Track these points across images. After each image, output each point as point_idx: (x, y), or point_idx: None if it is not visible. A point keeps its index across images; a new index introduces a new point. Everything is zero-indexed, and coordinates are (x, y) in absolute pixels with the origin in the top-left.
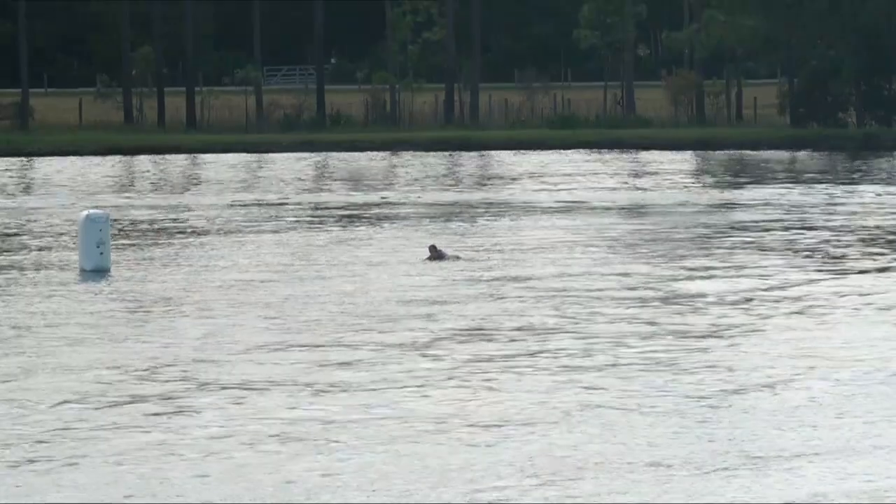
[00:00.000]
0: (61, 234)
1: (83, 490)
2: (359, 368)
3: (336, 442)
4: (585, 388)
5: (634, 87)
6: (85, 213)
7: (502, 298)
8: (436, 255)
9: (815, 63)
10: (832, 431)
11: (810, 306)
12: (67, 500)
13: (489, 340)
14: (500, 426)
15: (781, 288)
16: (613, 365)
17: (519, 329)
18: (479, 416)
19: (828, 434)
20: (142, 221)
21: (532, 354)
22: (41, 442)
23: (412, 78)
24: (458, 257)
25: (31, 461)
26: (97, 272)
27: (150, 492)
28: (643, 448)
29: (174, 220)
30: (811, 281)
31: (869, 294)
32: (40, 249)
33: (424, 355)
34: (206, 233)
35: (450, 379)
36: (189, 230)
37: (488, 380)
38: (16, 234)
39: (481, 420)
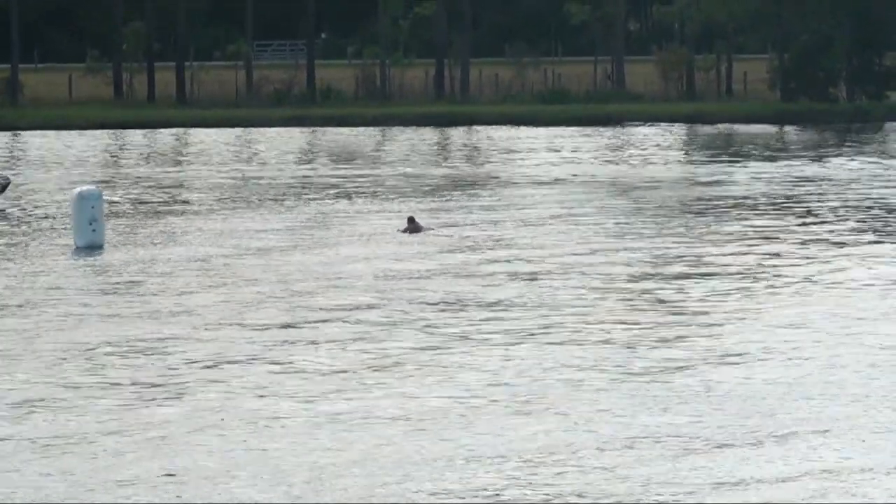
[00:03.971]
0: (53, 210)
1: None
2: (327, 347)
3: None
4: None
5: (625, 62)
6: (77, 190)
7: (471, 276)
8: (413, 227)
9: (805, 38)
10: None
11: (813, 281)
12: None
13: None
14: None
15: (773, 265)
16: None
17: (488, 305)
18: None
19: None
20: (131, 197)
21: (501, 332)
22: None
23: (403, 53)
24: (432, 229)
25: None
26: (90, 249)
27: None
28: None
29: (165, 195)
30: (810, 256)
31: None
32: (32, 226)
33: (384, 330)
34: (195, 209)
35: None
36: (179, 206)
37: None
38: (6, 211)
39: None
